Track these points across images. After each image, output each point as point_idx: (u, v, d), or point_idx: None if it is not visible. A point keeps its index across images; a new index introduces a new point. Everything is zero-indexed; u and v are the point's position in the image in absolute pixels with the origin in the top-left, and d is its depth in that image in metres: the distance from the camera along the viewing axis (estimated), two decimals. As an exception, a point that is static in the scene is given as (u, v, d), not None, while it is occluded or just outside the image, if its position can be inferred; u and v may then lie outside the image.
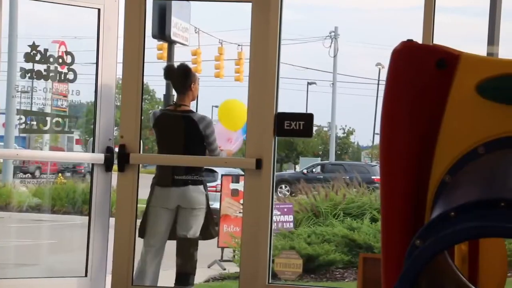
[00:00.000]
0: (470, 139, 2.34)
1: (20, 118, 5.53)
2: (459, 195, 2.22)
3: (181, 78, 5.84)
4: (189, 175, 5.76)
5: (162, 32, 17.93)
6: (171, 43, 18.98)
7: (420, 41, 2.49)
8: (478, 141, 2.33)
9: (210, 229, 5.92)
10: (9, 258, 6.42)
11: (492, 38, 6.62)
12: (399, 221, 2.39)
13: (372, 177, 20.26)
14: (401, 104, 2.42)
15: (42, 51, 5.42)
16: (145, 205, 5.79)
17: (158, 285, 5.68)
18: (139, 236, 5.58)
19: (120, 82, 5.35)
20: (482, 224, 2.02)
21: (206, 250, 10.64)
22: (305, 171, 25.50)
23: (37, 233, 7.40)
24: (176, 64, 6.20)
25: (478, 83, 2.35)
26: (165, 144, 5.82)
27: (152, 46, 19.85)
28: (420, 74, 2.40)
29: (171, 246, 5.90)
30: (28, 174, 6.32)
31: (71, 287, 5.24)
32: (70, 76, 5.48)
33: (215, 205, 10.60)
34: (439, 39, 4.66)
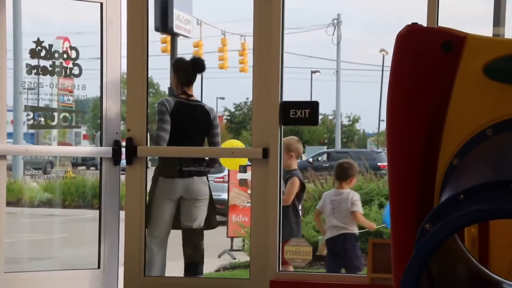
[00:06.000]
0: (478, 121, 2.34)
1: (28, 114, 5.55)
2: (467, 178, 2.23)
3: (193, 70, 5.91)
4: (194, 166, 5.78)
5: (164, 24, 17.92)
6: (174, 36, 18.97)
7: (424, 24, 2.48)
8: (486, 123, 2.33)
9: (212, 219, 5.96)
10: (23, 252, 6.46)
11: (498, 19, 6.58)
12: (408, 206, 2.40)
13: (378, 164, 20.26)
14: (407, 88, 2.42)
15: (47, 46, 5.43)
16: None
17: (166, 275, 5.71)
18: None
19: (125, 76, 5.36)
20: (492, 206, 2.02)
21: (216, 240, 10.67)
22: (311, 159, 25.49)
23: (48, 227, 7.44)
24: (187, 57, 6.22)
25: (485, 64, 2.35)
26: (181, 133, 5.77)
27: (156, 40, 19.85)
28: (425, 58, 2.40)
29: (178, 236, 5.93)
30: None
31: (84, 279, 5.27)
32: (76, 71, 5.49)
33: (223, 195, 10.62)
34: (444, 22, 4.64)
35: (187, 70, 5.95)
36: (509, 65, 2.34)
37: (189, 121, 5.80)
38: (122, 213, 5.28)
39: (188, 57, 6.13)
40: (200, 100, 6.05)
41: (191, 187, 5.77)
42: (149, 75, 5.34)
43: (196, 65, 5.96)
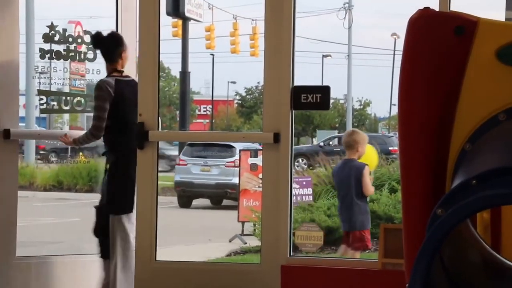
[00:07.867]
0: (490, 106, 2.33)
1: (41, 99, 5.56)
2: (480, 163, 2.22)
3: (113, 46, 5.46)
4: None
5: (176, 9, 17.91)
6: (185, 20, 18.96)
7: (437, 9, 2.47)
8: (499, 108, 2.32)
9: None
10: (35, 236, 6.50)
11: (510, 2, 6.53)
12: (419, 191, 2.39)
13: (390, 148, 20.23)
14: (419, 73, 2.42)
15: (61, 31, 5.44)
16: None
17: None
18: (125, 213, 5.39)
19: (137, 60, 5.35)
20: (504, 192, 2.02)
21: (227, 225, 10.71)
22: (321, 144, 25.47)
23: (60, 211, 7.48)
24: (106, 32, 5.87)
25: (498, 48, 2.34)
26: (128, 113, 5.39)
27: (167, 24, 19.84)
28: (438, 42, 2.39)
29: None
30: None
31: (96, 263, 5.29)
32: (90, 55, 5.49)
33: (234, 180, 10.63)
34: (456, 6, 4.62)
35: (106, 45, 5.48)
36: (522, 50, 2.33)
37: (132, 100, 5.31)
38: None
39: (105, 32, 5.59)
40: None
41: None
42: (160, 59, 5.31)
43: (114, 40, 5.48)
